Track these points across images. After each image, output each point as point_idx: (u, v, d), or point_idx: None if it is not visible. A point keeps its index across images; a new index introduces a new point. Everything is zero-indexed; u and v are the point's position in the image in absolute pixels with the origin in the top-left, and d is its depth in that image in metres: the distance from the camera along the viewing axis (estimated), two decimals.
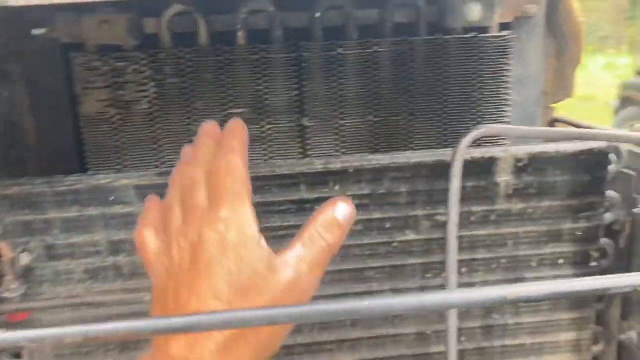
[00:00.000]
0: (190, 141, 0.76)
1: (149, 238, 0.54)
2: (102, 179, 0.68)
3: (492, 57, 0.79)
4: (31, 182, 0.67)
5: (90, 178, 0.68)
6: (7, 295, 0.66)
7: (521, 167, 0.73)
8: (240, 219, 0.50)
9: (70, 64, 0.75)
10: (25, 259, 0.67)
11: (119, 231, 0.70)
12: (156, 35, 0.76)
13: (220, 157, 0.53)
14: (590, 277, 0.50)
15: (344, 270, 0.74)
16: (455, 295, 0.38)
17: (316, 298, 0.74)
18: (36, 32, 0.73)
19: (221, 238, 0.49)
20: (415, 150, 0.80)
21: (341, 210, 0.54)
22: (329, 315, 0.37)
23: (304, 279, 0.51)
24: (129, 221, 0.68)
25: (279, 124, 0.79)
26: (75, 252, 0.70)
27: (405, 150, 0.81)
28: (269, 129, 0.79)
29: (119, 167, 0.78)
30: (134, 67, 0.75)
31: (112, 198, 0.69)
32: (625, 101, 6.05)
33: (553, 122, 0.92)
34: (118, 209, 0.69)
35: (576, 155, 0.73)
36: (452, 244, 0.66)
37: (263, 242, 0.51)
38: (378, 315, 0.36)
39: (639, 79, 6.20)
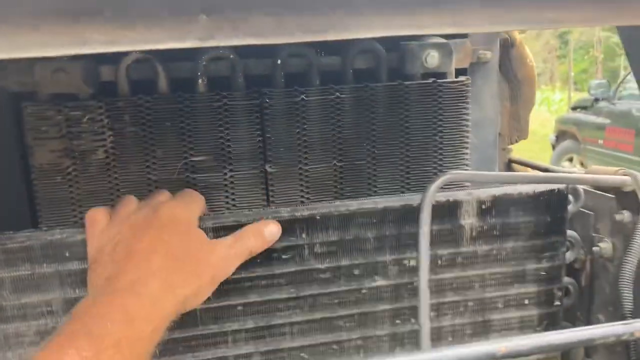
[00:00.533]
0: (150, 191, 0.74)
1: (100, 216, 0.64)
2: (56, 234, 0.64)
3: (451, 101, 0.81)
4: None
5: (44, 234, 0.64)
6: None
7: (485, 209, 0.74)
8: (189, 210, 0.65)
9: (22, 113, 0.71)
10: None
11: (75, 289, 0.66)
12: (113, 82, 0.74)
13: (185, 190, 0.70)
14: (577, 327, 0.50)
15: (313, 320, 0.72)
16: (442, 354, 0.37)
17: (284, 349, 0.72)
18: None
19: (173, 213, 0.63)
20: (379, 194, 0.80)
21: (270, 228, 0.67)
22: None
23: (227, 261, 0.64)
24: (86, 278, 0.64)
25: (242, 170, 0.77)
26: (27, 312, 0.65)
27: (369, 195, 0.81)
28: (232, 177, 0.77)
29: (74, 219, 0.74)
30: (90, 116, 0.73)
31: (67, 254, 0.65)
32: (562, 135, 6.35)
33: (510, 163, 0.94)
34: (74, 266, 0.65)
35: (537, 197, 0.75)
36: (424, 289, 0.65)
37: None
38: None
39: (573, 113, 6.52)
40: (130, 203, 0.67)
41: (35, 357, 0.49)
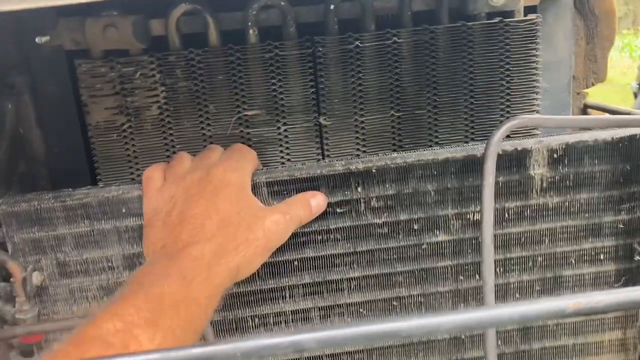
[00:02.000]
0: (204, 147, 0.73)
1: (155, 174, 0.64)
2: (113, 191, 0.65)
3: (519, 43, 0.74)
4: (38, 198, 0.64)
5: (99, 190, 0.65)
6: (20, 316, 0.63)
7: (556, 159, 0.69)
8: (242, 170, 0.64)
9: (76, 71, 0.72)
10: (36, 278, 0.64)
11: (133, 245, 0.66)
12: (164, 37, 0.73)
13: (236, 145, 0.70)
14: None
15: (371, 276, 0.70)
16: (504, 310, 0.34)
17: (342, 304, 0.71)
18: (39, 39, 0.70)
19: (225, 176, 0.62)
20: (441, 145, 0.76)
21: (317, 200, 0.66)
22: (358, 338, 0.33)
23: (279, 227, 0.63)
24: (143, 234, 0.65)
25: (296, 124, 0.75)
26: (89, 268, 0.67)
27: (430, 147, 0.76)
28: (285, 130, 0.75)
29: (131, 176, 0.75)
30: (142, 72, 0.72)
31: (123, 210, 0.65)
32: None
33: (585, 109, 0.87)
34: (131, 222, 0.66)
35: (615, 143, 0.68)
36: (488, 244, 0.61)
37: None
38: (412, 336, 0.32)
39: None
40: (184, 161, 0.66)
41: (95, 318, 0.50)
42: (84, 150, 0.77)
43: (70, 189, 0.66)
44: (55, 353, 0.46)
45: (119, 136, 0.73)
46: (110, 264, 0.67)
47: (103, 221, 0.66)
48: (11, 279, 0.62)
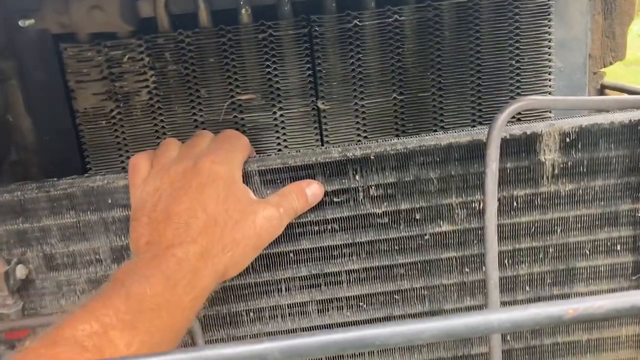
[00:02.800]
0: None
1: (141, 163, 0.61)
2: (97, 181, 0.62)
3: (530, 19, 0.70)
4: (22, 188, 0.62)
5: (84, 180, 0.62)
6: (2, 311, 0.61)
7: (569, 143, 0.64)
8: (231, 162, 0.59)
9: (62, 56, 0.69)
10: (20, 272, 0.61)
11: (120, 237, 0.64)
12: (153, 18, 0.69)
13: (227, 131, 0.65)
14: None
15: (370, 268, 0.67)
16: (493, 317, 0.30)
17: (341, 298, 0.67)
18: (23, 23, 0.67)
19: (213, 169, 0.57)
20: (446, 130, 0.71)
21: (312, 189, 0.62)
22: (330, 347, 0.29)
23: (272, 221, 0.59)
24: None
25: (292, 109, 0.71)
26: (76, 261, 0.64)
27: (435, 131, 0.72)
28: (281, 116, 0.71)
29: (122, 164, 0.72)
30: (131, 55, 0.69)
31: (109, 201, 0.62)
32: None
33: (602, 90, 0.81)
34: (117, 213, 0.63)
35: (633, 126, 0.63)
36: (491, 236, 0.57)
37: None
38: (389, 345, 0.28)
39: None
40: (170, 148, 0.63)
41: (73, 316, 0.47)
42: (74, 138, 0.75)
43: (54, 179, 0.63)
44: (27, 352, 0.44)
45: (108, 123, 0.71)
46: (97, 257, 0.64)
47: (89, 212, 0.63)
48: None
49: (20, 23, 0.67)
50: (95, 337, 0.45)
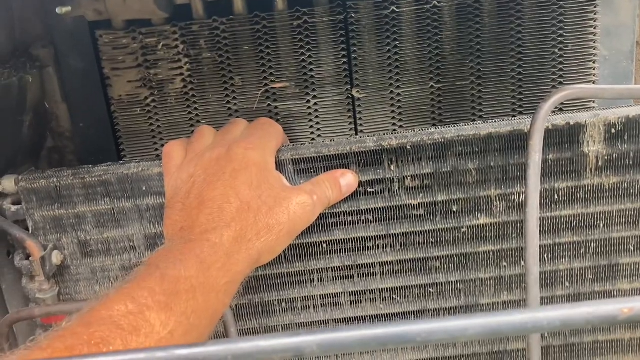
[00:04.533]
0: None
1: (175, 150, 0.61)
2: (132, 168, 0.62)
3: (575, 5, 0.67)
4: (57, 175, 0.62)
5: (119, 167, 0.62)
6: (39, 296, 0.62)
7: (614, 134, 0.61)
8: (265, 149, 0.59)
9: (98, 43, 0.69)
10: (56, 258, 0.62)
11: (154, 224, 0.64)
12: (187, 5, 0.69)
13: (262, 119, 0.66)
14: None
15: (405, 261, 0.65)
16: (541, 315, 0.29)
17: (374, 290, 0.66)
18: (60, 10, 0.67)
19: (246, 156, 0.57)
20: (485, 119, 0.69)
21: (347, 179, 0.61)
22: (369, 342, 0.28)
23: (305, 208, 0.58)
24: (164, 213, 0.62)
25: (326, 97, 0.70)
26: (110, 247, 0.65)
27: (473, 121, 0.70)
28: (315, 104, 0.70)
29: (156, 152, 0.72)
30: (165, 43, 0.68)
31: (144, 188, 0.62)
32: None
33: None
34: (151, 200, 0.63)
35: None
36: (532, 227, 0.55)
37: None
38: (445, 340, 0.27)
39: None
40: (204, 136, 0.62)
41: (108, 298, 0.47)
42: (109, 125, 0.75)
43: (90, 166, 0.63)
44: (64, 332, 0.44)
45: (142, 110, 0.71)
46: (131, 244, 0.65)
47: (123, 199, 0.63)
48: (30, 258, 0.61)
49: (57, 10, 0.67)
50: (131, 317, 0.45)
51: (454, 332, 0.28)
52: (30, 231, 0.63)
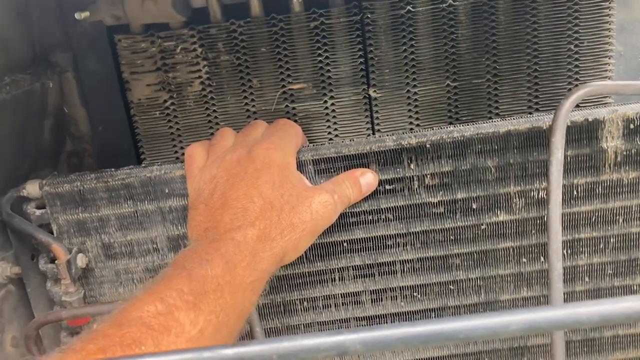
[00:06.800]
0: (248, 123, 0.70)
1: (197, 153, 0.62)
2: (155, 171, 0.63)
3: (590, 1, 0.67)
4: (81, 178, 0.63)
5: (141, 170, 0.63)
6: (65, 298, 0.63)
7: (633, 130, 0.62)
8: (285, 149, 0.60)
9: (116, 47, 0.69)
10: (81, 261, 0.63)
11: (177, 226, 0.64)
12: (205, 9, 0.69)
13: (281, 120, 0.66)
14: None
15: (425, 259, 0.66)
16: (588, 309, 0.29)
17: (395, 288, 0.67)
18: (79, 15, 0.68)
19: (267, 156, 0.58)
20: (502, 117, 0.70)
21: (367, 178, 0.62)
22: (411, 340, 0.29)
23: (327, 206, 0.58)
24: (187, 215, 0.63)
25: (344, 97, 0.70)
26: (134, 250, 0.65)
27: (489, 119, 0.71)
28: (333, 104, 0.71)
29: (175, 155, 0.73)
30: (183, 46, 0.69)
31: (166, 191, 0.63)
32: None
33: None
34: (174, 202, 0.63)
35: None
36: (555, 224, 0.56)
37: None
38: (487, 337, 0.28)
39: None
40: (225, 137, 0.63)
41: (137, 299, 0.48)
42: (128, 128, 0.76)
43: (112, 169, 0.64)
44: (95, 334, 0.44)
45: (161, 113, 0.71)
46: (155, 246, 0.65)
47: (146, 202, 0.64)
48: (56, 261, 0.61)
49: (76, 16, 0.68)
50: (161, 317, 0.45)
51: (496, 328, 0.28)
52: (55, 235, 0.64)
